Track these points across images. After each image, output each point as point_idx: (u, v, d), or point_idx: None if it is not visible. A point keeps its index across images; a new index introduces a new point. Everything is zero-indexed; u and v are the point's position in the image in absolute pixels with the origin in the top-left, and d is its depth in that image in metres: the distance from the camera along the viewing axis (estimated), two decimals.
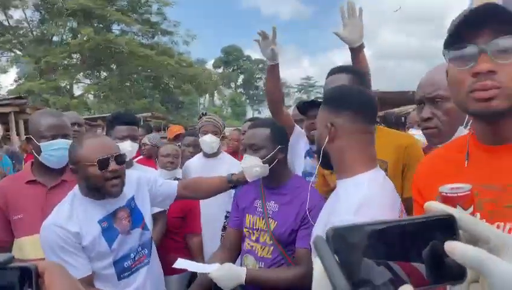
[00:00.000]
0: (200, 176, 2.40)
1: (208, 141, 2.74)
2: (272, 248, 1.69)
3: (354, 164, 1.17)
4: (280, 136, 1.79)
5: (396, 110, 9.52)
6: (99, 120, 11.41)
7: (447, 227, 0.39)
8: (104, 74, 25.20)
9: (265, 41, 2.08)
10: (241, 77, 49.77)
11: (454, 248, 0.38)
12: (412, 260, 0.39)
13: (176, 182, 1.98)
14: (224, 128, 3.04)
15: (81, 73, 23.79)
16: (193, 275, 2.42)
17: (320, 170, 1.83)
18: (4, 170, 4.10)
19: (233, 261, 1.85)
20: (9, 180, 1.98)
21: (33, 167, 1.90)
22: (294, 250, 1.67)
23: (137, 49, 21.31)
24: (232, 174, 1.90)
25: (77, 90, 24.42)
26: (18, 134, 9.06)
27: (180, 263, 1.70)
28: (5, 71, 22.29)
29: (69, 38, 23.00)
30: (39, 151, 1.83)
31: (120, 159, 1.58)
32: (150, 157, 3.68)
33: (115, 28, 24.42)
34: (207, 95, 40.44)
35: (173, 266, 1.68)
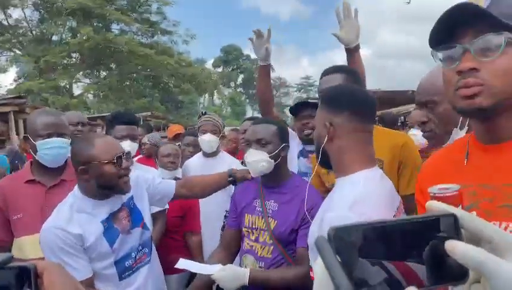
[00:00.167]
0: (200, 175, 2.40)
1: (207, 140, 2.74)
2: (272, 247, 1.69)
3: (353, 163, 1.18)
4: (285, 134, 1.80)
5: (394, 109, 9.53)
6: (98, 119, 11.42)
7: (449, 226, 0.39)
8: (104, 73, 25.16)
9: (259, 40, 2.10)
10: (241, 76, 49.72)
11: (455, 248, 0.37)
12: (413, 259, 0.38)
13: (174, 181, 1.98)
14: (224, 127, 3.04)
15: (81, 72, 23.73)
16: (192, 275, 2.42)
17: (317, 170, 1.84)
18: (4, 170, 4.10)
19: (232, 261, 1.85)
20: (9, 180, 1.98)
21: (32, 167, 1.90)
22: (295, 249, 1.67)
23: (137, 49, 21.27)
24: (233, 170, 1.91)
25: (77, 90, 24.42)
26: (17, 133, 9.05)
27: (182, 264, 1.70)
28: (4, 71, 22.26)
29: (69, 38, 22.95)
30: (35, 150, 1.83)
31: (128, 156, 1.63)
32: (149, 156, 3.68)
33: (115, 28, 24.39)
34: (206, 95, 40.41)
35: (175, 266, 1.68)
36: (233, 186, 2.06)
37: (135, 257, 1.66)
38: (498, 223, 0.75)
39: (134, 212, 1.70)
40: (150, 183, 1.83)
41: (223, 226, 2.62)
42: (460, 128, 1.24)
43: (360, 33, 1.92)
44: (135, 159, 2.81)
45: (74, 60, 23.50)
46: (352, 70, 1.80)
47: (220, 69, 48.06)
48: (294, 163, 2.20)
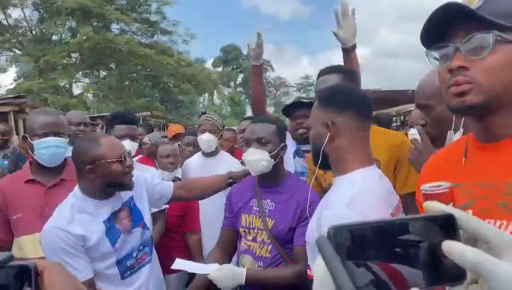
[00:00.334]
0: (199, 175, 2.41)
1: (205, 139, 2.74)
2: (270, 246, 1.69)
3: (353, 162, 1.18)
4: (283, 133, 1.81)
5: (394, 109, 9.53)
6: (98, 119, 11.40)
7: (447, 227, 0.39)
8: (103, 73, 25.09)
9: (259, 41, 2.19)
10: (241, 76, 49.63)
11: (452, 248, 0.37)
12: (410, 259, 0.38)
13: (172, 183, 1.98)
14: (223, 127, 3.04)
15: (80, 72, 23.65)
16: (192, 274, 2.42)
17: (314, 170, 1.85)
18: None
19: (229, 261, 1.85)
20: (8, 180, 1.98)
21: (32, 166, 1.90)
22: (292, 248, 1.67)
23: (137, 49, 21.21)
24: (232, 172, 1.91)
25: (76, 90, 24.35)
26: (17, 133, 9.04)
27: (179, 264, 1.70)
28: (4, 70, 22.18)
29: (68, 38, 22.88)
30: (33, 150, 1.83)
31: (130, 154, 1.67)
32: (149, 156, 3.67)
33: (114, 27, 24.32)
34: (206, 94, 40.37)
35: (171, 267, 1.68)
36: None
37: (136, 256, 1.67)
38: (493, 221, 0.75)
39: (134, 212, 1.71)
40: (148, 183, 1.83)
41: None
42: (455, 131, 1.24)
43: (357, 32, 1.96)
44: (135, 159, 2.81)
45: (74, 59, 23.43)
46: (349, 70, 1.81)
47: (219, 69, 48.00)
48: (290, 163, 2.20)
